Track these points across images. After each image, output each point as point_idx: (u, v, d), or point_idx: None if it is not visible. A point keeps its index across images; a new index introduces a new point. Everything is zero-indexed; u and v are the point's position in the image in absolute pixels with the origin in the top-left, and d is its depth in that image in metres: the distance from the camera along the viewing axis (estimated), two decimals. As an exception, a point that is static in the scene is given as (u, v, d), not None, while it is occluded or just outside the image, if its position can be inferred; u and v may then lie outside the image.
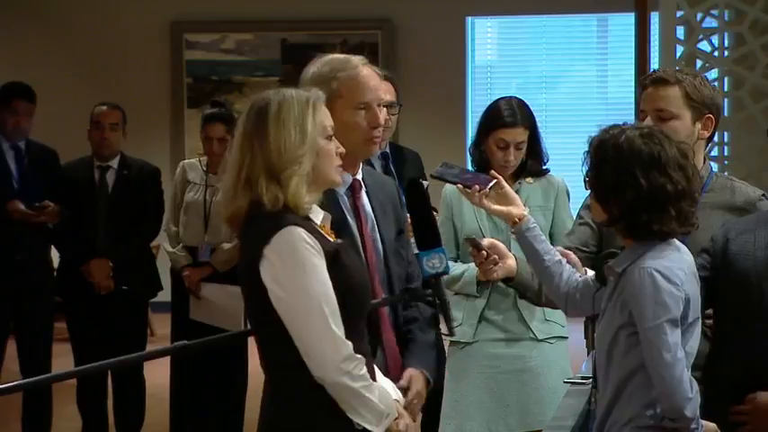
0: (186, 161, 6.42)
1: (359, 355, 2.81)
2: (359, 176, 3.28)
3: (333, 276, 2.79)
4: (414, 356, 3.24)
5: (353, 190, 3.26)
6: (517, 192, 3.42)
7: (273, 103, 2.84)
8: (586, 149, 2.95)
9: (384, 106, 4.73)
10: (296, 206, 2.80)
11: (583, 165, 2.96)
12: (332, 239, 2.88)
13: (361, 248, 3.18)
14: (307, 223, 2.81)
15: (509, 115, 4.36)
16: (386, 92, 4.79)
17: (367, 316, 2.95)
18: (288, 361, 2.79)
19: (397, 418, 2.92)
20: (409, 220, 3.13)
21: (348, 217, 3.20)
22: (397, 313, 3.31)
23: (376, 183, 3.38)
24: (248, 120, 2.85)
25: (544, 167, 4.49)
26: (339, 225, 3.06)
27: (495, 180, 3.30)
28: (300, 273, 2.74)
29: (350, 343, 2.79)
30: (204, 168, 6.18)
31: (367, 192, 3.30)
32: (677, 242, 2.92)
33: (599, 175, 2.92)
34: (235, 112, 6.36)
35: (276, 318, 2.77)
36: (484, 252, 3.30)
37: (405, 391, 3.12)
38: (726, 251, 3.27)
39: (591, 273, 3.19)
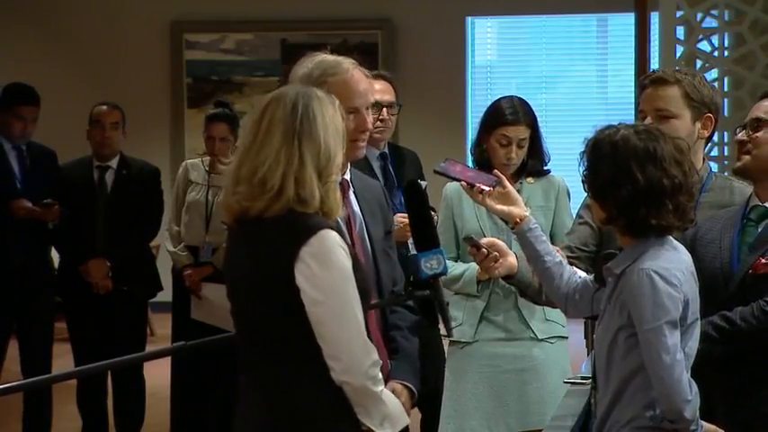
0: (189, 161, 6.42)
1: (380, 360, 2.82)
2: (347, 177, 3.29)
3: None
4: (398, 368, 3.22)
5: (342, 190, 3.25)
6: (518, 191, 3.42)
7: (315, 104, 2.80)
8: (582, 150, 2.95)
9: (384, 106, 4.78)
10: (333, 210, 2.80)
11: (579, 165, 2.96)
12: None
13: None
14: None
15: (511, 113, 4.37)
16: (384, 92, 4.81)
17: None
18: (295, 361, 2.77)
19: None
20: (408, 220, 3.13)
21: (337, 217, 3.20)
22: (384, 314, 3.30)
23: (362, 184, 3.38)
24: (292, 118, 2.77)
25: (545, 167, 4.50)
26: None
27: (497, 179, 3.31)
28: (339, 277, 2.74)
29: (375, 348, 2.80)
30: (206, 168, 6.18)
31: (354, 192, 3.31)
32: (675, 242, 2.93)
33: (596, 173, 2.92)
34: (237, 113, 6.37)
35: (298, 318, 2.74)
36: (484, 250, 3.30)
37: None
38: (693, 251, 3.29)
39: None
